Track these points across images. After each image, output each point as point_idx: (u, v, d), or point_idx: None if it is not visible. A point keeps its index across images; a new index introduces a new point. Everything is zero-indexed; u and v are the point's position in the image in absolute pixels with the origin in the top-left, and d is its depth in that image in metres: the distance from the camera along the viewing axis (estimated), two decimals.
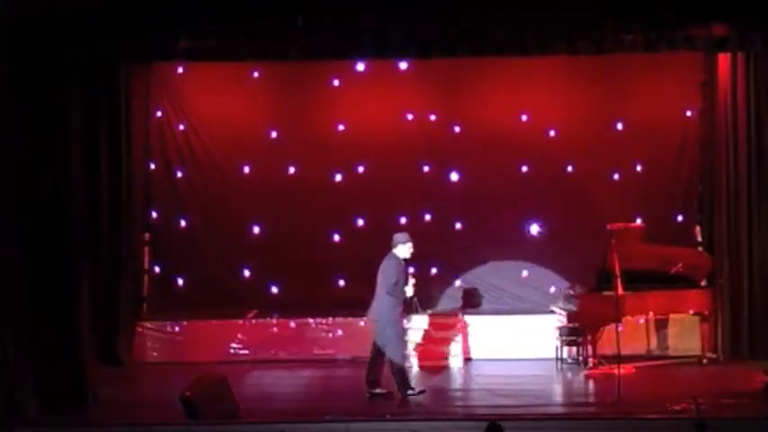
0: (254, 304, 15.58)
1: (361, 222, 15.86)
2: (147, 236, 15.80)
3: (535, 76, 15.32)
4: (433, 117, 15.84)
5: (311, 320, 15.15)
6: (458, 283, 15.60)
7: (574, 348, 14.15)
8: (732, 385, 12.75)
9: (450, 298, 15.55)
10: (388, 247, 15.61)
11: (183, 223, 15.92)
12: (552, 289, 15.38)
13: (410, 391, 12.48)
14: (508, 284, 15.69)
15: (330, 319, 15.18)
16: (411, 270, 15.59)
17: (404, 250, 12.72)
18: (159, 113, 15.84)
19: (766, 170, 14.21)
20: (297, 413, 11.74)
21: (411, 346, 14.26)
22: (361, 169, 15.86)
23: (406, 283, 12.71)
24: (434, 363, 14.50)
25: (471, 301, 15.47)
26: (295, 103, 15.85)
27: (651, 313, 14.31)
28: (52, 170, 12.31)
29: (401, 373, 12.54)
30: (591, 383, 13.41)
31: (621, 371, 12.58)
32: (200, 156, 15.95)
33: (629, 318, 13.80)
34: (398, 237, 12.79)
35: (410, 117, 15.85)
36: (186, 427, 10.94)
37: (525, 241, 15.76)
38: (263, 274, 15.85)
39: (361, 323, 15.08)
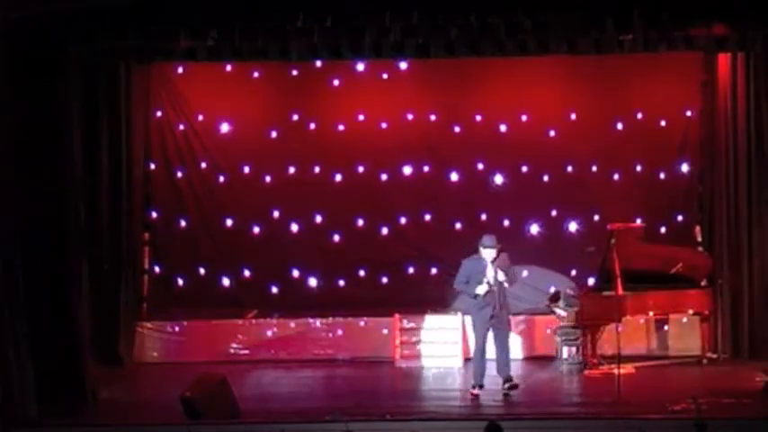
0: (254, 304, 15.59)
1: (361, 222, 15.86)
2: (147, 236, 15.80)
3: (535, 76, 15.33)
4: (432, 117, 15.84)
5: (311, 320, 15.15)
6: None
7: (574, 348, 14.14)
8: (732, 385, 12.76)
9: (450, 298, 15.53)
10: (387, 246, 15.79)
11: (182, 223, 15.91)
12: (552, 289, 15.37)
13: (474, 389, 12.67)
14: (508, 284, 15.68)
15: (330, 319, 15.17)
16: (411, 270, 15.79)
17: (484, 253, 12.75)
18: (159, 113, 15.83)
19: (766, 170, 14.20)
20: (297, 413, 11.73)
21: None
22: (361, 169, 15.86)
23: (480, 281, 12.71)
24: (434, 363, 14.50)
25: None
26: (295, 103, 15.86)
27: (651, 313, 14.31)
28: (52, 170, 12.30)
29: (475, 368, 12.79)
30: (591, 383, 13.40)
31: (621, 371, 12.59)
32: (200, 156, 15.95)
33: (629, 318, 13.79)
34: (483, 239, 12.80)
35: (410, 117, 15.86)
36: (186, 427, 10.92)
37: (525, 241, 15.76)
38: (263, 274, 15.85)
39: (361, 323, 15.14)
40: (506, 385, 12.72)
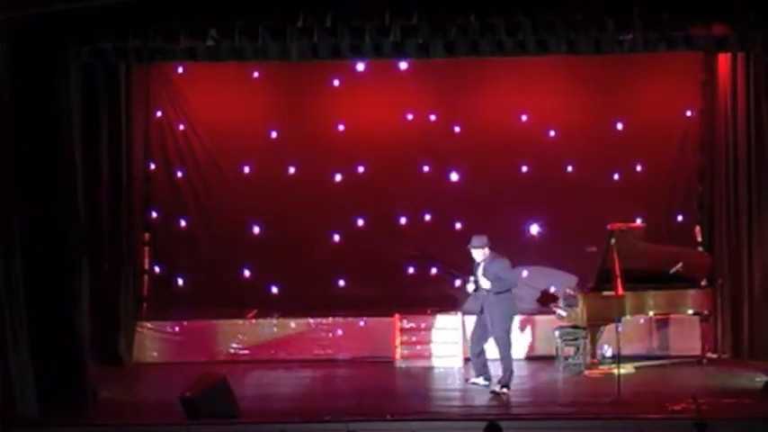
0: (254, 304, 15.59)
1: (361, 222, 15.86)
2: (147, 236, 15.79)
3: (535, 76, 15.33)
4: (432, 117, 15.84)
5: (311, 320, 15.15)
6: (458, 282, 15.57)
7: (574, 348, 14.14)
8: (732, 385, 12.76)
9: (450, 298, 15.53)
10: (387, 246, 15.79)
11: (182, 223, 15.92)
12: (552, 289, 15.38)
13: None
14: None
15: (330, 319, 15.17)
16: (411, 270, 15.79)
17: (472, 254, 13.04)
18: (159, 113, 15.84)
19: (766, 170, 14.21)
20: (297, 413, 11.73)
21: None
22: (361, 169, 15.87)
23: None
24: (434, 363, 14.50)
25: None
26: (295, 103, 15.86)
27: (651, 313, 14.31)
28: (52, 170, 12.29)
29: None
30: (591, 383, 13.40)
31: (621, 371, 12.59)
32: (200, 156, 15.95)
33: (629, 318, 13.79)
34: (471, 240, 13.13)
35: (410, 117, 15.86)
36: (186, 427, 10.93)
37: (525, 241, 15.76)
38: (263, 274, 15.84)
39: (361, 323, 15.14)
40: (497, 387, 12.87)
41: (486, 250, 12.99)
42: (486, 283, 12.86)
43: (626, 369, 13.16)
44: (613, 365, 12.74)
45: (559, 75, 15.35)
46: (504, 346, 12.96)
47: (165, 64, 15.02)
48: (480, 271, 12.95)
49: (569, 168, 15.72)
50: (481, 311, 13.02)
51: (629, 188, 15.59)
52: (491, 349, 13.21)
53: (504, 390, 12.77)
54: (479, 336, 13.09)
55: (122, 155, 14.79)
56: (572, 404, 12.45)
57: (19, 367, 11.37)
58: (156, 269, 15.85)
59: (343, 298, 15.61)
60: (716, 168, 14.96)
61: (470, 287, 13.10)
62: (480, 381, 13.04)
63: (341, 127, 15.85)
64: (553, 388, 13.46)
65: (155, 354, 15.06)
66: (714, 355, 14.44)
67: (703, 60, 15.06)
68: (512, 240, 15.67)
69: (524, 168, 15.78)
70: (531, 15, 12.23)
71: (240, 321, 15.22)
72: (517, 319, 14.49)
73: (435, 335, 14.65)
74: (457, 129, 15.84)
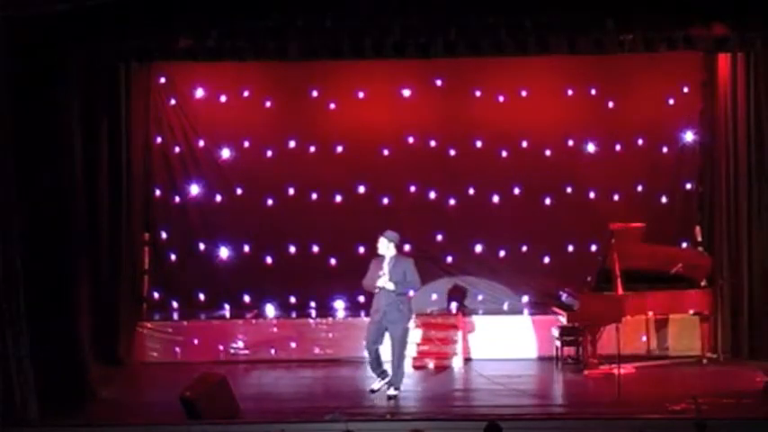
0: (254, 304, 15.59)
1: (359, 217, 15.78)
2: (146, 236, 15.79)
3: (535, 76, 15.33)
4: (432, 118, 15.82)
5: (311, 320, 15.17)
6: (458, 282, 15.59)
7: (574, 348, 14.15)
8: (732, 385, 12.76)
9: (451, 297, 15.55)
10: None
11: (182, 224, 15.91)
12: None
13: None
14: (508, 285, 15.70)
15: (330, 319, 15.18)
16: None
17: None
18: (159, 114, 15.82)
19: (766, 170, 14.21)
20: (297, 413, 11.74)
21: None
22: (361, 169, 15.85)
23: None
24: (434, 363, 14.49)
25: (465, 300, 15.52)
26: (295, 103, 15.86)
27: (651, 313, 14.31)
28: (52, 170, 12.30)
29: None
30: (591, 383, 13.41)
31: (621, 371, 12.59)
32: (200, 156, 15.94)
33: (629, 318, 13.79)
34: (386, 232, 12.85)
35: (410, 118, 15.84)
36: (186, 427, 10.94)
37: (526, 241, 15.76)
38: (263, 274, 15.84)
39: (361, 323, 15.10)
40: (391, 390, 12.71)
41: (394, 246, 12.77)
42: (390, 285, 12.52)
43: (626, 369, 13.16)
44: (613, 365, 12.74)
45: (559, 75, 15.35)
46: (403, 346, 12.75)
47: (165, 64, 15.01)
48: (386, 268, 12.64)
49: (569, 169, 15.71)
50: (376, 312, 12.70)
51: (629, 188, 15.59)
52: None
53: (397, 392, 12.58)
54: (376, 338, 12.75)
55: (122, 155, 14.78)
56: (572, 404, 12.46)
57: (19, 367, 11.37)
58: (156, 269, 15.84)
59: (343, 298, 15.66)
60: (716, 169, 14.96)
61: (382, 282, 12.56)
62: (382, 384, 12.74)
63: (341, 126, 15.83)
64: (553, 388, 13.46)
65: (155, 354, 15.05)
66: (714, 355, 14.44)
67: (703, 60, 15.06)
68: (512, 240, 15.74)
69: (525, 169, 15.74)
70: (531, 15, 12.24)
71: (240, 321, 15.23)
72: (515, 318, 14.57)
73: (435, 335, 14.64)
74: (456, 129, 15.81)
